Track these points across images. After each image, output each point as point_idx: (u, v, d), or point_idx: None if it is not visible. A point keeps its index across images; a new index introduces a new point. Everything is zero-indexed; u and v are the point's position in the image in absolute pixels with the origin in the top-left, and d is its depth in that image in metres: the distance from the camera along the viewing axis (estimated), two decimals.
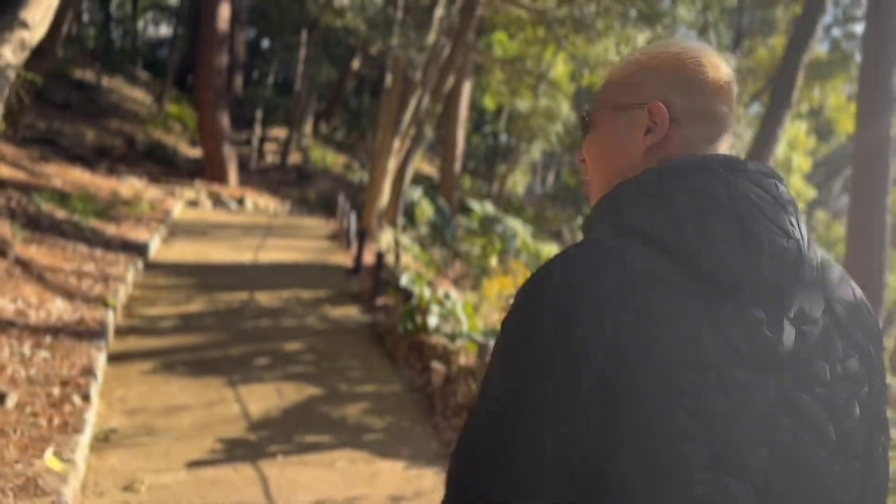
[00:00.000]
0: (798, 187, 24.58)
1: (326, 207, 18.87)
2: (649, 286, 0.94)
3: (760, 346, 0.96)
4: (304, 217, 16.93)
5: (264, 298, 8.95)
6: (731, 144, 1.14)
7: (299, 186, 20.11)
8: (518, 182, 28.83)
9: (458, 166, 18.82)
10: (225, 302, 8.62)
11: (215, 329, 7.63)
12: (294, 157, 22.88)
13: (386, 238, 13.45)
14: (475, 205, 14.10)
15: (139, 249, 10.14)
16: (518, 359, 0.96)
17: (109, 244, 9.90)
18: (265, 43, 36.10)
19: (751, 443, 0.93)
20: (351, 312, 8.79)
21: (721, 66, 1.12)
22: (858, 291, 1.12)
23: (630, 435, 0.90)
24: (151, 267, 9.97)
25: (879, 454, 1.09)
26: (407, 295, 7.45)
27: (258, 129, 23.51)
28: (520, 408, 0.93)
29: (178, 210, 14.86)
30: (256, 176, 20.71)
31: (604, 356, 0.91)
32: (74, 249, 9.07)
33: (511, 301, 1.03)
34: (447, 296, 7.42)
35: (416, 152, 13.13)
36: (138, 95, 26.06)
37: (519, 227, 13.24)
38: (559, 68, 17.82)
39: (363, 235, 10.72)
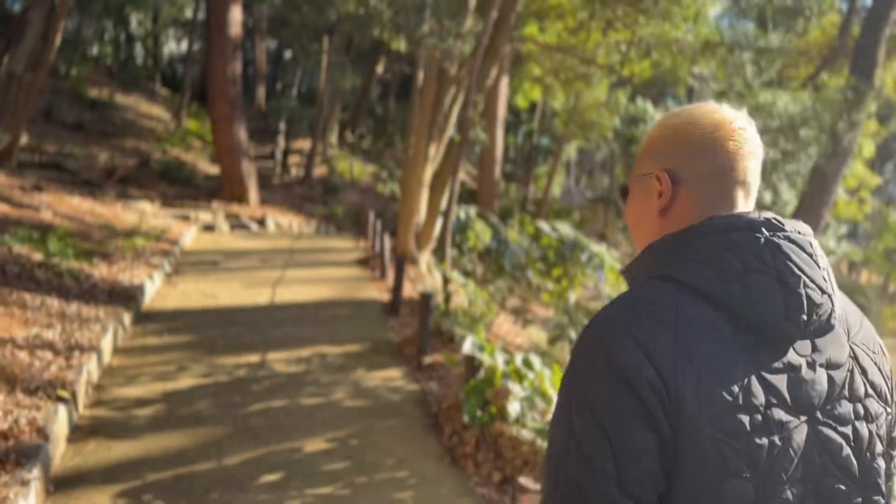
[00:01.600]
0: (861, 175, 21.96)
1: (355, 223, 16.58)
2: (703, 336, 1.01)
3: (798, 391, 1.03)
4: (331, 237, 14.66)
5: (280, 361, 6.66)
6: (754, 192, 1.19)
7: (325, 202, 17.87)
8: (555, 183, 26.38)
9: (497, 171, 16.41)
10: (228, 370, 6.34)
11: (210, 420, 5.35)
12: (319, 170, 20.66)
13: (425, 261, 11.13)
14: (544, 226, 11.46)
15: (130, 297, 7.91)
16: (593, 411, 1.00)
17: (93, 293, 7.67)
18: (287, 53, 34.11)
19: (790, 479, 1.00)
20: (392, 377, 6.45)
21: (731, 124, 1.16)
22: (874, 332, 1.21)
23: (689, 473, 0.97)
24: (144, 319, 7.73)
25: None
26: (472, 365, 5.10)
27: (282, 142, 21.32)
28: (603, 455, 0.98)
29: (190, 237, 12.64)
30: (280, 192, 18.49)
31: (670, 406, 0.97)
32: (41, 306, 6.84)
33: (570, 360, 1.07)
34: (527, 363, 5.06)
35: (461, 160, 10.75)
36: (157, 112, 24.00)
37: (605, 255, 10.70)
38: (601, 58, 15.35)
39: (401, 265, 8.40)
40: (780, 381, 1.02)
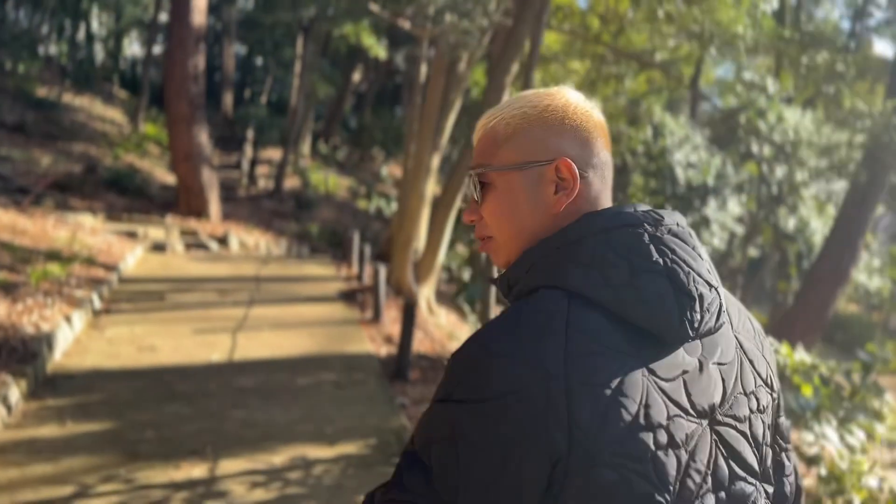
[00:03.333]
0: None
1: (333, 243, 14.03)
2: (594, 352, 0.86)
3: (695, 395, 0.91)
4: (306, 261, 12.06)
5: (238, 478, 4.11)
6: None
7: (298, 218, 15.28)
8: None
9: None
10: (156, 499, 3.80)
11: None
12: (290, 181, 18.05)
13: (426, 298, 8.64)
14: None
15: (31, 353, 5.34)
16: (460, 435, 0.85)
17: None
18: (257, 61, 31.42)
19: (700, 494, 0.89)
20: None
21: (595, 109, 1.06)
22: (754, 320, 1.11)
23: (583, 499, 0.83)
24: (45, 389, 5.16)
25: (786, 476, 1.09)
26: None
27: (249, 151, 18.67)
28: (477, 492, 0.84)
29: (133, 260, 9.98)
30: (246, 205, 15.86)
31: (560, 434, 0.82)
32: None
33: (447, 368, 0.90)
34: None
35: None
36: (112, 115, 21.16)
37: None
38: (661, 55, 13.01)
39: (411, 312, 5.91)
40: (678, 389, 0.89)
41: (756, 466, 0.96)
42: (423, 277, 9.01)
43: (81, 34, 28.04)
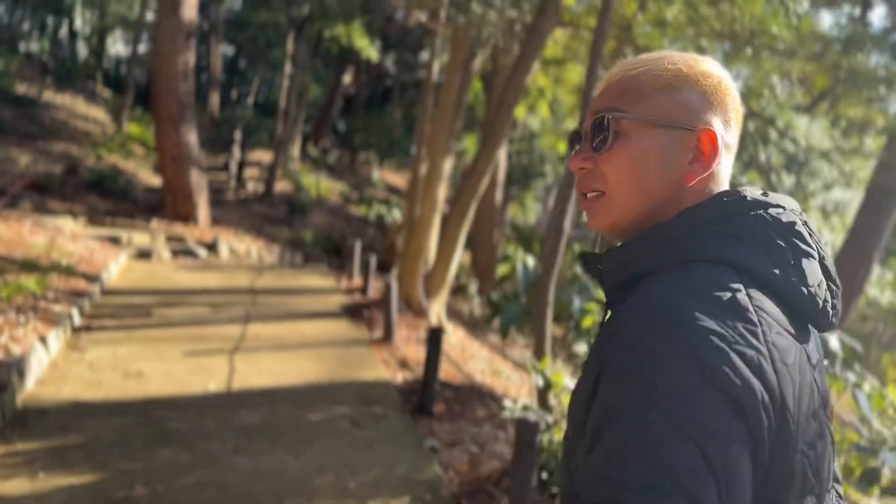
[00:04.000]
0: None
1: (328, 250, 13.21)
2: (780, 333, 0.79)
3: (824, 387, 0.88)
4: (302, 271, 11.23)
5: None
6: None
7: (290, 223, 14.44)
8: (529, 209, 23.48)
9: (499, 195, 13.16)
10: None
11: None
12: (281, 185, 17.20)
13: (436, 314, 7.85)
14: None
15: None
16: (687, 436, 0.70)
17: None
18: (244, 62, 30.48)
19: (826, 491, 0.84)
20: None
21: (737, 92, 0.96)
22: None
23: (781, 497, 0.77)
24: (13, 427, 4.34)
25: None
26: None
27: (237, 152, 17.79)
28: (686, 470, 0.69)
29: (117, 269, 9.12)
30: (235, 209, 14.98)
31: (775, 422, 0.74)
32: None
33: (618, 362, 0.76)
34: None
35: (485, 176, 7.53)
36: (95, 114, 20.18)
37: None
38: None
39: (437, 341, 5.12)
40: (819, 378, 0.86)
41: (828, 477, 0.87)
42: (433, 291, 8.23)
43: (64, 31, 27.02)
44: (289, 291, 9.17)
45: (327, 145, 24.43)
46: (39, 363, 5.39)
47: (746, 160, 14.36)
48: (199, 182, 12.47)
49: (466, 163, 17.29)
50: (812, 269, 0.85)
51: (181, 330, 6.87)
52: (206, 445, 4.35)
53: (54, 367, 5.50)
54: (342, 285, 9.76)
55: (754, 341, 0.75)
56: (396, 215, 11.63)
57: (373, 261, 8.46)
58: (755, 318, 0.77)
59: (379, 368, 6.26)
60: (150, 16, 23.82)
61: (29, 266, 7.64)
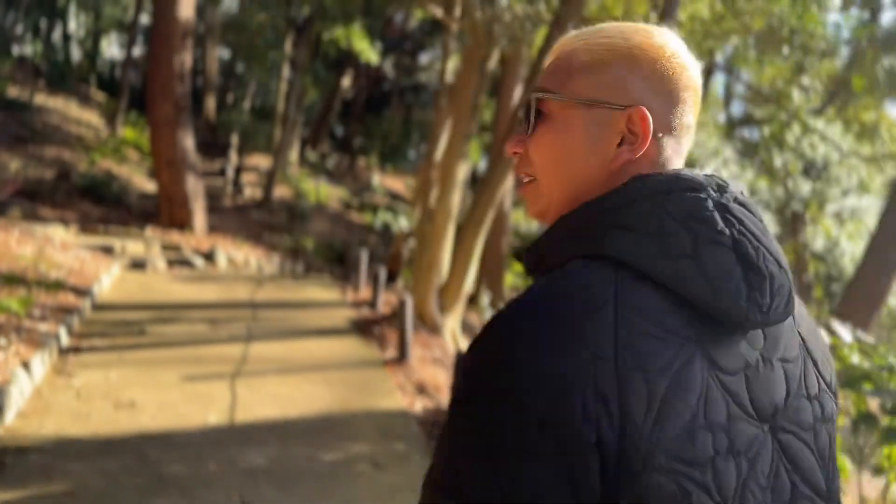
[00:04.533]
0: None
1: (330, 259, 12.62)
2: (648, 333, 0.69)
3: (759, 395, 0.75)
4: (305, 282, 10.64)
5: None
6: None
7: (290, 230, 13.85)
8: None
9: (508, 201, 12.56)
10: None
11: None
12: (279, 191, 16.61)
13: (450, 330, 7.28)
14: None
15: None
16: (495, 445, 0.66)
17: None
18: (240, 67, 29.87)
19: None
20: None
21: (695, 67, 0.86)
22: (807, 311, 0.92)
23: None
24: None
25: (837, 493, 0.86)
26: None
27: (234, 157, 17.20)
28: None
29: (109, 281, 8.53)
30: (232, 216, 14.39)
31: (610, 432, 0.65)
32: None
33: (465, 363, 0.72)
34: None
35: (504, 181, 6.97)
36: (89, 118, 19.55)
37: None
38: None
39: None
40: (740, 384, 0.74)
41: (822, 484, 0.79)
42: (448, 306, 7.66)
43: (58, 34, 26.39)
44: (292, 305, 8.59)
45: (326, 150, 23.85)
46: (21, 392, 4.80)
47: (758, 164, 13.88)
48: (195, 188, 11.88)
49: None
50: (717, 259, 0.74)
51: (178, 350, 6.29)
52: (208, 495, 3.78)
53: (38, 395, 4.91)
54: (348, 298, 9.18)
55: (599, 346, 0.66)
56: (403, 223, 11.06)
57: (382, 273, 7.90)
58: (611, 320, 0.68)
59: (396, 395, 5.68)
60: (145, 19, 23.23)
61: (14, 280, 7.05)
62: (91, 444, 4.27)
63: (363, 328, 7.54)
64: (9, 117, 16.23)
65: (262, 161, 19.96)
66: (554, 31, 6.45)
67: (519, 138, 0.89)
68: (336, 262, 12.59)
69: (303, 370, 6.05)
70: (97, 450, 4.22)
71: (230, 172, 16.85)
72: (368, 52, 18.50)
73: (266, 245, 12.63)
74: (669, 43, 0.84)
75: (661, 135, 0.83)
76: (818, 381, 0.84)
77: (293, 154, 19.99)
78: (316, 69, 21.10)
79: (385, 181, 23.11)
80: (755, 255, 0.76)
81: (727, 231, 0.76)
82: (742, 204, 0.80)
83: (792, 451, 0.77)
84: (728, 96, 14.32)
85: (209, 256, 10.99)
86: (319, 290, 9.70)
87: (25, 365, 5.06)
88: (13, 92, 17.58)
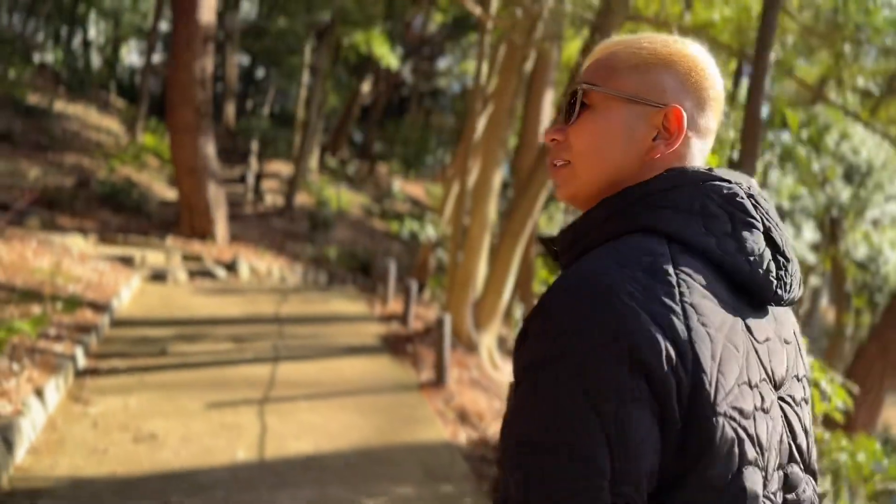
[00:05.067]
0: None
1: (353, 268, 12.16)
2: (705, 295, 0.77)
3: (776, 365, 0.84)
4: (330, 293, 10.17)
5: None
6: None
7: (313, 239, 13.40)
8: (557, 221, 22.34)
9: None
10: None
11: None
12: (301, 198, 16.18)
13: (487, 347, 6.78)
14: None
15: None
16: (597, 394, 0.70)
17: None
18: (260, 72, 29.55)
19: (774, 466, 0.81)
20: None
21: (720, 78, 0.94)
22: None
23: (701, 465, 0.73)
24: None
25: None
26: None
27: (254, 163, 16.80)
28: (590, 439, 0.70)
29: (129, 294, 8.11)
30: (254, 224, 13.98)
31: (685, 376, 0.72)
32: None
33: (545, 322, 0.75)
34: None
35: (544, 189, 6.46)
36: (108, 125, 19.23)
37: None
38: None
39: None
40: (764, 353, 0.83)
41: (806, 455, 0.87)
42: (483, 322, 7.16)
43: (78, 41, 26.18)
44: (318, 319, 8.13)
45: (345, 156, 23.44)
46: (33, 425, 4.36)
47: (793, 170, 13.26)
48: (216, 196, 11.46)
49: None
50: (753, 239, 0.82)
51: (201, 372, 5.83)
52: None
53: (52, 427, 4.47)
54: (376, 312, 8.70)
55: (667, 300, 0.74)
56: (430, 231, 10.58)
57: (414, 286, 7.43)
58: (674, 280, 0.76)
59: (436, 424, 5.18)
60: (164, 26, 22.93)
61: (30, 296, 6.63)
62: (109, 486, 3.81)
63: (395, 346, 7.05)
64: (29, 124, 15.93)
65: (282, 167, 19.57)
66: (596, 34, 5.97)
67: (558, 127, 0.92)
68: (360, 271, 12.12)
69: (335, 395, 5.57)
70: (115, 492, 3.76)
71: (250, 179, 16.45)
72: (388, 56, 18.07)
73: (288, 254, 12.19)
74: (701, 55, 0.92)
75: (690, 134, 0.90)
76: (804, 366, 0.91)
77: (313, 160, 19.58)
78: (337, 74, 20.70)
79: (405, 187, 22.66)
80: (780, 240, 0.85)
81: (758, 217, 0.84)
82: (764, 198, 0.88)
83: (790, 419, 0.84)
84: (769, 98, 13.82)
85: (231, 267, 10.56)
86: (346, 303, 9.23)
87: (38, 392, 4.62)
88: (33, 99, 17.28)
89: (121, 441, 4.38)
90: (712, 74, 0.92)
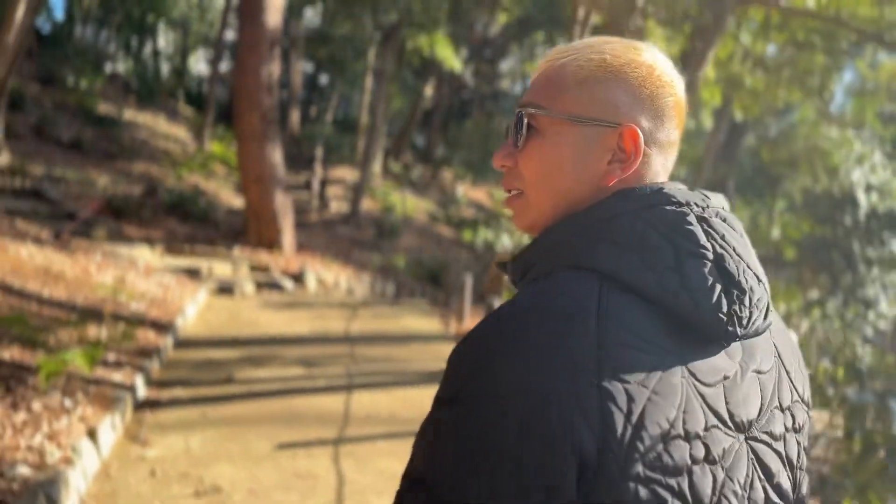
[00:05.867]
0: None
1: (422, 277, 11.48)
2: (630, 344, 0.69)
3: (735, 405, 0.74)
4: (400, 307, 9.49)
5: None
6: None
7: (379, 246, 12.79)
8: None
9: None
10: None
11: None
12: (366, 204, 15.61)
13: None
14: None
15: None
16: (475, 447, 0.64)
17: None
18: (323, 78, 29.30)
19: None
20: None
21: (680, 83, 0.85)
22: (780, 319, 0.90)
23: None
24: None
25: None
26: None
27: (319, 170, 16.31)
28: None
29: (195, 310, 7.58)
30: (320, 232, 13.45)
31: (590, 442, 0.64)
32: None
33: (452, 362, 0.70)
34: None
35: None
36: (176, 133, 19.07)
37: None
38: None
39: None
40: (718, 396, 0.73)
41: (790, 492, 0.79)
42: None
43: (148, 51, 26.33)
44: (391, 339, 7.44)
45: (408, 160, 22.85)
46: (84, 474, 3.76)
47: None
48: (283, 205, 10.93)
49: None
50: (699, 273, 0.72)
51: (270, 404, 5.19)
52: None
53: (105, 476, 3.87)
54: (451, 330, 7.97)
55: (581, 356, 0.65)
56: (506, 241, 9.83)
57: (497, 303, 6.67)
58: (593, 331, 0.67)
59: None
60: (230, 34, 22.80)
61: (90, 314, 6.13)
62: None
63: None
64: (99, 133, 15.79)
65: (346, 173, 19.08)
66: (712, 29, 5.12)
67: (507, 151, 0.86)
68: (428, 280, 11.44)
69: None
70: None
71: (316, 185, 15.98)
72: (452, 59, 17.40)
73: (355, 263, 11.58)
74: (658, 60, 0.83)
75: (650, 151, 0.82)
76: (791, 393, 0.83)
77: (377, 166, 19.05)
78: (404, 77, 20.12)
79: (468, 192, 21.95)
80: (736, 268, 0.75)
81: (709, 245, 0.75)
82: (723, 219, 0.78)
83: (765, 460, 0.76)
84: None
85: (298, 278, 10.00)
86: (418, 319, 8.53)
87: (91, 434, 4.03)
88: (103, 108, 17.21)
89: (180, 494, 3.74)
90: (670, 80, 0.82)
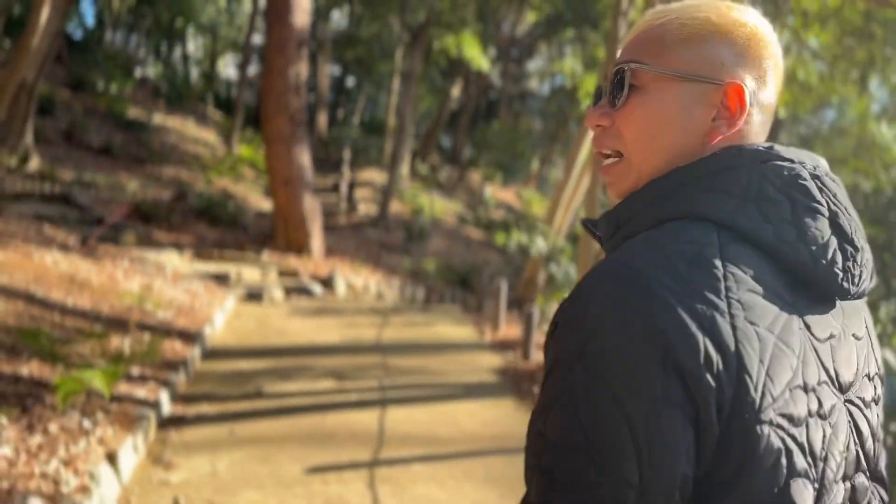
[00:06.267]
0: None
1: (452, 281, 11.12)
2: (755, 290, 0.66)
3: (840, 365, 0.72)
4: (431, 314, 9.12)
5: None
6: None
7: (408, 250, 12.45)
8: None
9: None
10: None
11: None
12: (394, 206, 15.30)
13: None
14: None
15: None
16: (627, 392, 0.60)
17: None
18: (350, 81, 29.08)
19: (837, 476, 0.68)
20: None
21: (779, 47, 0.81)
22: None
23: (745, 476, 0.62)
24: None
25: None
26: None
27: (347, 172, 16.02)
28: (616, 444, 0.60)
29: (223, 318, 7.29)
30: (348, 235, 13.15)
31: (727, 379, 0.61)
32: None
33: (576, 316, 0.65)
34: None
35: None
36: (206, 137, 18.92)
37: None
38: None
39: None
40: (827, 352, 0.70)
41: (874, 462, 0.74)
42: None
43: (178, 55, 26.34)
44: (424, 347, 7.09)
45: (436, 162, 22.51)
46: (102, 501, 3.46)
47: None
48: (312, 208, 10.64)
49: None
50: (816, 227, 0.70)
51: (300, 420, 4.86)
52: None
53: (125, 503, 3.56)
54: (486, 338, 7.59)
55: (710, 295, 0.63)
56: (540, 244, 9.44)
57: (536, 312, 6.29)
58: (720, 273, 0.65)
59: None
60: (258, 38, 22.63)
61: (115, 324, 5.87)
62: None
63: (517, 384, 5.90)
64: (128, 138, 15.66)
65: (373, 175, 18.79)
66: None
67: (603, 111, 0.80)
68: (459, 284, 11.07)
69: (456, 456, 4.48)
70: None
71: (344, 188, 15.70)
72: (479, 59, 17.03)
73: (385, 267, 11.26)
74: (760, 23, 0.80)
75: (752, 111, 0.78)
76: (876, 364, 0.79)
77: (404, 167, 18.73)
78: (431, 77, 19.79)
79: (496, 193, 21.55)
80: (849, 226, 0.73)
81: (823, 201, 0.72)
82: (832, 179, 0.76)
83: (858, 424, 0.72)
84: None
85: (328, 283, 9.70)
86: (452, 326, 8.17)
87: (111, 457, 3.73)
88: (133, 112, 17.10)
89: None
90: (771, 43, 0.79)
